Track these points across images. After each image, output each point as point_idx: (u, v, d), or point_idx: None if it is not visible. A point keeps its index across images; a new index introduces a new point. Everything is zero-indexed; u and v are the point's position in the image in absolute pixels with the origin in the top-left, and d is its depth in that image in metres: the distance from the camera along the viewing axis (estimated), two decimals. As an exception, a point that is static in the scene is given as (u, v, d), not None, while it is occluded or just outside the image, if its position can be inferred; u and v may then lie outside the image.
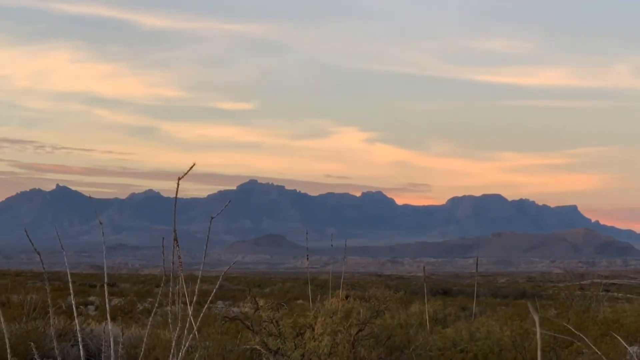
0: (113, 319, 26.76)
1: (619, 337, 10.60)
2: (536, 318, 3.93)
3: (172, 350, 7.22)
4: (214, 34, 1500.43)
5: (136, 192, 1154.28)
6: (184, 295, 7.81)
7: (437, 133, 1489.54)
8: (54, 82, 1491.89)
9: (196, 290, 7.26)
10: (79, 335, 7.77)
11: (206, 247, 7.80)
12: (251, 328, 14.84)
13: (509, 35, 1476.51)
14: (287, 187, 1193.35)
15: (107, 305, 7.82)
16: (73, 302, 7.65)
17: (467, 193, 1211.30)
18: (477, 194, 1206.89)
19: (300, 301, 38.11)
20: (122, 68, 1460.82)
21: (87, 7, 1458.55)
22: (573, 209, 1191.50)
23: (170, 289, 7.86)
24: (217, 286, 7.67)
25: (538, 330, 3.97)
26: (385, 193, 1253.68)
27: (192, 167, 7.32)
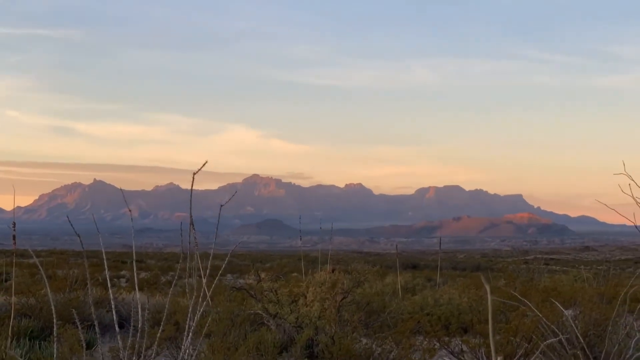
0: (141, 289, 26.75)
1: (557, 303, 10.63)
2: (487, 287, 3.94)
3: (189, 315, 7.22)
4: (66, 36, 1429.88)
5: (160, 184, 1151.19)
6: (199, 269, 7.82)
7: (314, 130, 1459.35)
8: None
9: (209, 266, 7.25)
10: (112, 303, 7.77)
11: (217, 230, 7.80)
12: (254, 296, 14.83)
13: (311, 41, 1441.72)
14: (284, 181, 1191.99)
15: (135, 278, 7.82)
16: (107, 276, 7.64)
17: (432, 184, 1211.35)
18: (440, 185, 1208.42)
19: (294, 274, 38.05)
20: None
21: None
22: (519, 197, 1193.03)
23: (188, 265, 7.87)
24: (226, 262, 7.66)
25: (489, 297, 3.99)
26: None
27: (204, 164, 7.30)
